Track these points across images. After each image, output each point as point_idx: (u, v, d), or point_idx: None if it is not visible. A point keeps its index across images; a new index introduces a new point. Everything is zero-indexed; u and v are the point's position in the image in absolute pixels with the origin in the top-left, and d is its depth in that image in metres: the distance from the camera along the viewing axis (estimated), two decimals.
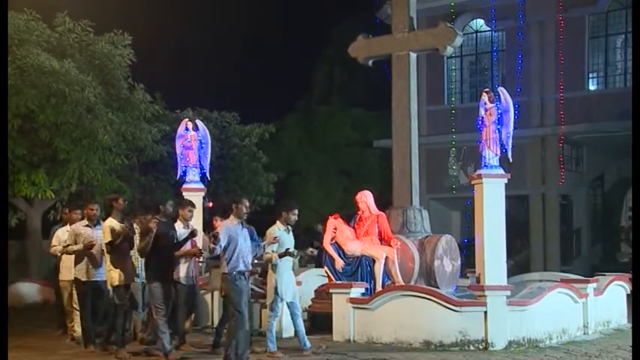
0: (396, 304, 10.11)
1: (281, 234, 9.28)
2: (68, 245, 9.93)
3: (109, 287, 9.43)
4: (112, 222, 9.34)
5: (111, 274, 9.29)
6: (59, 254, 10.44)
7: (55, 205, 16.57)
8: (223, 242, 8.38)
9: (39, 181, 15.56)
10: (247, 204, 8.81)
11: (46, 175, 15.71)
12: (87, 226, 9.81)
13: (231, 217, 8.67)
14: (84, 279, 9.68)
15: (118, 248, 9.24)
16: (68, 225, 10.69)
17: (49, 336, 11.16)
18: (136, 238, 9.44)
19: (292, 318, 9.49)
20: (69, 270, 10.07)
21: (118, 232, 9.19)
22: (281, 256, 9.23)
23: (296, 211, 9.52)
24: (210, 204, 16.22)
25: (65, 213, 11.76)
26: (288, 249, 9.30)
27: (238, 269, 8.47)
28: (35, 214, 17.25)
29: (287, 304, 9.43)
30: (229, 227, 8.53)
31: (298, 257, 9.90)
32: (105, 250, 9.33)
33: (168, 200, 9.36)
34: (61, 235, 10.63)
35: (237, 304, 8.37)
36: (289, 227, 9.49)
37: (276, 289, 9.21)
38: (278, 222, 9.39)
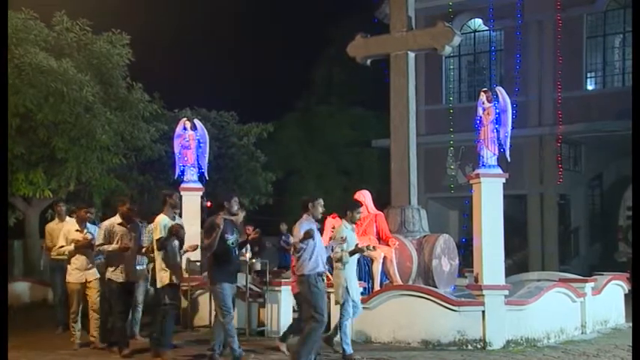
0: (394, 303, 10.12)
1: (348, 232, 9.19)
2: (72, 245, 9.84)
3: (158, 287, 9.07)
4: (164, 219, 9.03)
5: (161, 274, 8.96)
6: (65, 254, 10.11)
7: (52, 205, 16.55)
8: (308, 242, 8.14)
9: (37, 180, 15.54)
10: (322, 203, 8.59)
11: (44, 174, 15.69)
12: (120, 224, 9.61)
13: (306, 215, 8.43)
14: (121, 280, 9.46)
15: (169, 246, 8.97)
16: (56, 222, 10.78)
17: (48, 335, 11.16)
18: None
19: (341, 319, 9.14)
20: (80, 272, 9.82)
21: (170, 229, 8.92)
22: (351, 254, 9.03)
23: (360, 210, 9.38)
24: (209, 203, 16.20)
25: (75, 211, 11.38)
26: (358, 245, 9.14)
27: (317, 270, 8.24)
28: (33, 214, 17.22)
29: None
30: (310, 226, 8.26)
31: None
32: (155, 248, 9.01)
33: (233, 197, 8.87)
34: (70, 234, 10.15)
35: (318, 307, 8.11)
36: (354, 226, 9.33)
37: (347, 288, 8.97)
38: (344, 221, 9.16)
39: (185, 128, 12.54)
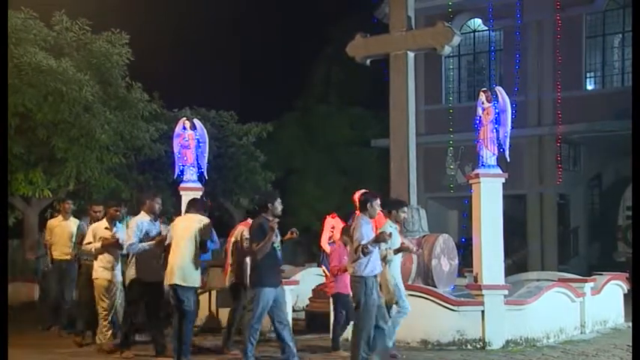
0: None
1: (392, 231, 9.18)
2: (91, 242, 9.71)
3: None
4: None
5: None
6: (91, 252, 9.82)
7: (52, 204, 16.55)
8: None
9: (36, 180, 15.55)
10: (379, 202, 8.37)
11: (44, 174, 15.70)
12: (151, 221, 9.37)
13: (362, 215, 8.22)
14: (149, 280, 9.24)
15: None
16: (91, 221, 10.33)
17: (48, 334, 11.16)
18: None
19: (397, 316, 8.98)
20: (107, 271, 9.60)
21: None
22: (396, 252, 8.93)
23: (406, 209, 9.30)
24: (209, 203, 16.17)
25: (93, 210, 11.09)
26: (403, 244, 9.04)
27: (375, 273, 8.09)
28: (32, 213, 17.22)
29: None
30: (368, 226, 8.11)
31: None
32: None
33: (277, 198, 8.68)
34: (99, 231, 9.78)
35: (369, 312, 7.93)
36: (397, 225, 9.20)
37: (397, 285, 8.84)
38: (388, 220, 8.98)
39: (184, 128, 12.53)
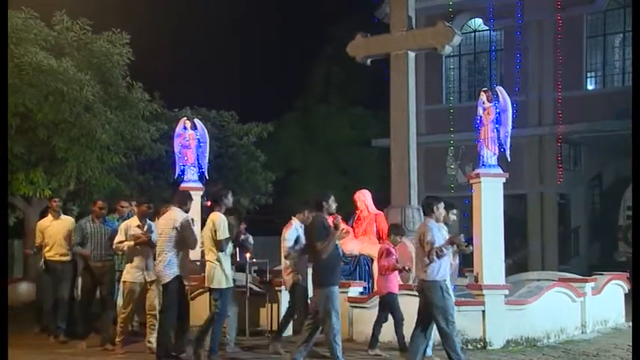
0: None
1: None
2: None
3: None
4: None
5: (220, 278, 8.81)
6: (124, 250, 9.62)
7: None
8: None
9: (37, 179, 15.53)
10: (443, 205, 8.30)
11: (44, 173, 15.69)
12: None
13: (429, 219, 8.10)
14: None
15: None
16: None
17: (47, 335, 11.16)
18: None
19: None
20: (140, 271, 9.44)
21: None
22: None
23: (455, 211, 9.35)
24: (209, 203, 16.20)
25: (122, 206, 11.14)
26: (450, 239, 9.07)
27: (447, 276, 8.03)
28: (33, 213, 17.19)
29: None
30: (437, 230, 7.99)
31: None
32: (216, 249, 8.75)
33: (331, 196, 8.53)
34: (130, 229, 9.58)
35: (449, 313, 7.88)
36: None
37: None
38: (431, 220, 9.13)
39: (185, 128, 12.54)
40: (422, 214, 11.94)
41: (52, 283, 10.83)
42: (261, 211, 21.89)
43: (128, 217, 10.41)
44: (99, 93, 15.95)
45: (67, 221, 11.02)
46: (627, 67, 21.47)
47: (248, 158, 21.44)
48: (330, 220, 11.08)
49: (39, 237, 11.04)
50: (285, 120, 27.62)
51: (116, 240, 9.64)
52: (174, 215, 8.90)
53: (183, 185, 12.30)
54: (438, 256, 7.80)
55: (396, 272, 9.37)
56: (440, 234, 7.96)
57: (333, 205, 8.40)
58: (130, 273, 9.48)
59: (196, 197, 12.47)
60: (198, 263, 11.61)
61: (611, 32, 22.19)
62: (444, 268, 7.90)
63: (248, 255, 10.42)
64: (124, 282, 9.55)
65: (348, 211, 11.88)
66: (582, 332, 11.07)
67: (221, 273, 8.71)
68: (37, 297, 12.20)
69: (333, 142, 27.78)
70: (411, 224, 11.82)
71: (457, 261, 11.78)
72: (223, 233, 8.65)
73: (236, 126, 21.50)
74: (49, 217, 11.15)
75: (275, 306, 10.92)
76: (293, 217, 9.62)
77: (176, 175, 12.67)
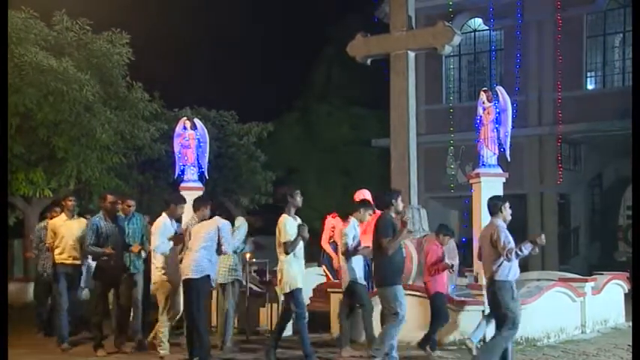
0: None
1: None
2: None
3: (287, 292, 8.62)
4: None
5: (288, 279, 8.64)
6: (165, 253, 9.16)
7: (55, 202, 16.53)
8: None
9: (37, 179, 15.55)
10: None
11: (44, 173, 15.70)
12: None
13: (497, 219, 8.05)
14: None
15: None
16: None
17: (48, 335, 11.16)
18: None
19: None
20: (162, 270, 9.08)
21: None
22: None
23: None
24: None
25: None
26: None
27: (517, 276, 8.02)
28: (33, 213, 17.22)
29: None
30: (506, 230, 7.95)
31: None
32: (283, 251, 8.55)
33: (399, 195, 8.43)
34: (168, 231, 9.21)
35: (517, 316, 7.88)
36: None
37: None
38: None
39: (185, 127, 12.53)
40: (421, 214, 12.02)
41: (59, 287, 10.09)
42: (261, 211, 21.89)
43: (134, 217, 10.24)
44: (99, 93, 15.96)
45: (81, 222, 10.35)
46: (627, 67, 21.46)
47: (248, 158, 21.46)
48: (330, 219, 11.16)
49: (50, 237, 10.35)
50: (285, 120, 27.63)
51: (156, 242, 9.10)
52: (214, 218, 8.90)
53: (182, 185, 12.29)
54: (517, 256, 7.81)
55: (445, 272, 9.34)
56: (508, 233, 7.91)
57: (400, 204, 8.38)
58: (157, 274, 9.15)
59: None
60: None
61: (611, 32, 22.18)
62: (515, 269, 7.90)
63: (248, 255, 10.42)
64: (159, 282, 9.10)
65: (349, 211, 11.85)
66: (582, 332, 11.06)
67: (288, 277, 8.52)
68: (37, 301, 11.77)
69: (333, 141, 27.78)
70: (411, 224, 11.78)
71: (457, 261, 11.81)
72: (287, 235, 8.46)
73: (236, 126, 21.52)
74: (62, 216, 10.44)
75: (275, 306, 10.91)
76: (351, 216, 9.51)
77: (176, 174, 12.66)
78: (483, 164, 10.35)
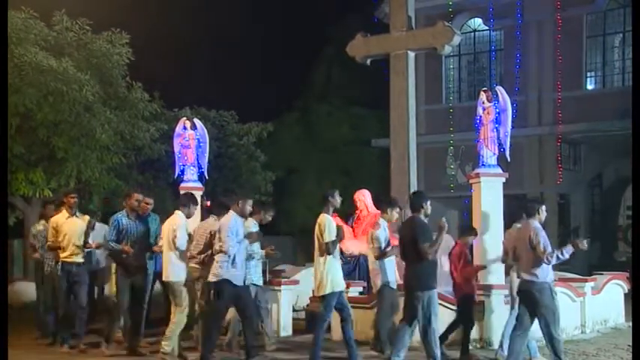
0: None
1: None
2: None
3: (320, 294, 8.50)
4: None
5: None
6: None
7: (55, 201, 16.49)
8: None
9: (37, 179, 15.55)
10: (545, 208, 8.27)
11: (44, 173, 15.70)
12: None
13: (533, 220, 8.07)
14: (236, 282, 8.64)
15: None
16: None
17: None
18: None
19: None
20: (183, 270, 9.00)
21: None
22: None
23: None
24: (208, 203, 16.19)
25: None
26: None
27: (553, 279, 8.09)
28: (33, 213, 17.21)
29: None
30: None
31: None
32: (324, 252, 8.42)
33: (428, 199, 8.45)
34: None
35: (558, 316, 8.02)
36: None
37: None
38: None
39: (185, 127, 12.54)
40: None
41: (64, 287, 10.00)
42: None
43: (150, 216, 10.11)
44: (98, 93, 15.96)
45: (84, 219, 10.19)
46: (627, 67, 21.45)
47: (248, 158, 21.45)
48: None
49: (52, 235, 10.09)
50: (285, 120, 27.62)
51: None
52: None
53: (182, 185, 12.29)
54: (558, 260, 7.88)
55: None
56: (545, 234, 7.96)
57: (429, 207, 8.37)
58: (175, 274, 9.05)
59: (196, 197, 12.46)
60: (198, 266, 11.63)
61: (611, 32, 22.17)
62: (552, 270, 7.99)
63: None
64: (177, 283, 8.97)
65: (348, 211, 11.87)
66: (582, 332, 11.05)
67: (332, 278, 8.42)
68: (38, 302, 11.35)
69: (332, 141, 27.77)
70: None
71: None
72: (330, 235, 8.36)
73: (236, 126, 21.51)
74: (64, 213, 10.15)
75: (275, 306, 10.90)
76: (379, 217, 9.47)
77: (176, 175, 12.66)
78: (483, 164, 10.35)
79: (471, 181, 10.67)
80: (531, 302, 7.97)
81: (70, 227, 9.99)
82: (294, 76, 30.22)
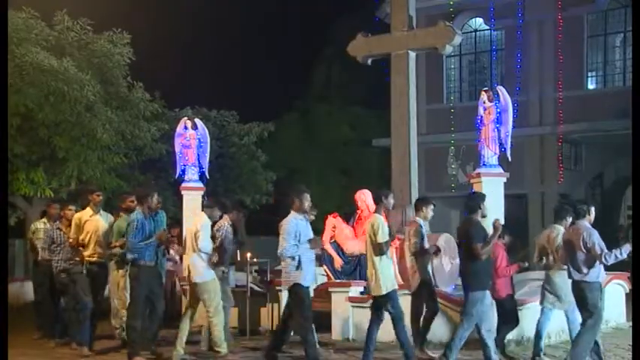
0: None
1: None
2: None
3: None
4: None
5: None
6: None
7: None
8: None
9: (38, 179, 15.56)
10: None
11: (45, 173, 15.72)
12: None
13: (584, 221, 8.24)
14: (305, 283, 8.55)
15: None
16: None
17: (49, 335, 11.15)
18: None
19: (542, 323, 9.05)
20: (208, 270, 8.94)
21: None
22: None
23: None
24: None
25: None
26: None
27: (603, 278, 8.13)
28: (34, 213, 17.22)
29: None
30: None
31: None
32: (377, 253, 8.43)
33: (485, 199, 8.50)
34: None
35: (602, 317, 8.16)
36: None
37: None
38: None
39: (186, 127, 12.56)
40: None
41: (83, 286, 9.65)
42: (261, 210, 21.89)
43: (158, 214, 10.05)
44: (100, 93, 15.98)
45: (107, 217, 10.01)
46: (628, 67, 21.44)
47: (249, 158, 21.47)
48: (331, 219, 11.13)
49: (75, 232, 9.73)
50: (285, 120, 27.63)
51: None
52: None
53: (183, 185, 12.30)
54: (615, 259, 7.97)
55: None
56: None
57: (485, 209, 8.44)
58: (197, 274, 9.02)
59: (197, 197, 12.47)
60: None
61: (612, 32, 22.17)
62: (602, 270, 8.06)
63: (249, 254, 10.43)
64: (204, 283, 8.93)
65: (349, 211, 11.87)
66: None
67: (385, 278, 8.42)
68: (42, 301, 11.04)
69: (333, 141, 27.79)
70: None
71: (457, 261, 11.80)
72: (383, 235, 8.36)
73: (237, 126, 21.52)
74: (87, 210, 9.86)
75: (275, 306, 10.91)
76: (415, 216, 9.46)
77: (177, 174, 12.68)
78: (484, 164, 10.36)
79: (472, 181, 10.67)
80: (581, 301, 8.09)
81: (93, 225, 9.75)
82: (295, 76, 30.26)
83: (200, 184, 12.49)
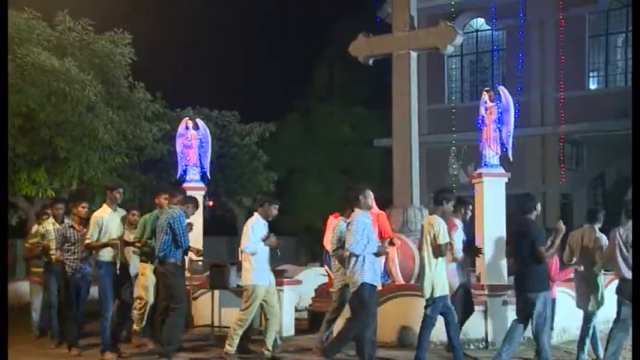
0: (397, 303, 10.12)
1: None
2: None
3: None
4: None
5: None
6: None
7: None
8: None
9: (39, 179, 15.57)
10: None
11: (47, 173, 15.72)
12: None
13: (629, 220, 8.33)
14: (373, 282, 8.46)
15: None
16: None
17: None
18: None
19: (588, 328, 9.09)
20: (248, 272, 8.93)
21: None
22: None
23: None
24: (211, 203, 16.21)
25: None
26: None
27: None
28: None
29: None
30: None
31: None
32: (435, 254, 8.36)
33: (537, 201, 8.57)
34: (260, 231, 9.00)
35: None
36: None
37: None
38: (595, 226, 9.08)
39: (187, 127, 12.56)
40: (423, 214, 11.97)
41: (106, 287, 9.36)
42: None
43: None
44: (101, 93, 15.98)
45: (122, 214, 9.76)
46: (630, 67, 21.40)
47: (250, 158, 21.50)
48: (332, 219, 11.12)
49: (95, 231, 9.32)
50: (287, 120, 27.64)
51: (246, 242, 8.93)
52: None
53: (185, 185, 12.31)
54: None
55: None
56: None
57: (539, 209, 8.52)
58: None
59: (198, 197, 12.46)
60: (200, 264, 11.67)
61: (614, 32, 22.17)
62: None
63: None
64: (257, 286, 9.00)
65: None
66: None
67: (440, 280, 8.40)
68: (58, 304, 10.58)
69: (335, 141, 27.79)
70: (413, 224, 11.80)
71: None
72: (444, 237, 8.35)
73: (238, 126, 21.54)
74: (105, 208, 9.50)
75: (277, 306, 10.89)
76: (454, 218, 9.30)
77: (178, 175, 12.68)
78: (485, 164, 10.35)
79: (473, 181, 10.67)
80: (629, 298, 8.18)
81: (113, 224, 9.44)
82: (296, 76, 30.27)
83: (201, 185, 12.49)
